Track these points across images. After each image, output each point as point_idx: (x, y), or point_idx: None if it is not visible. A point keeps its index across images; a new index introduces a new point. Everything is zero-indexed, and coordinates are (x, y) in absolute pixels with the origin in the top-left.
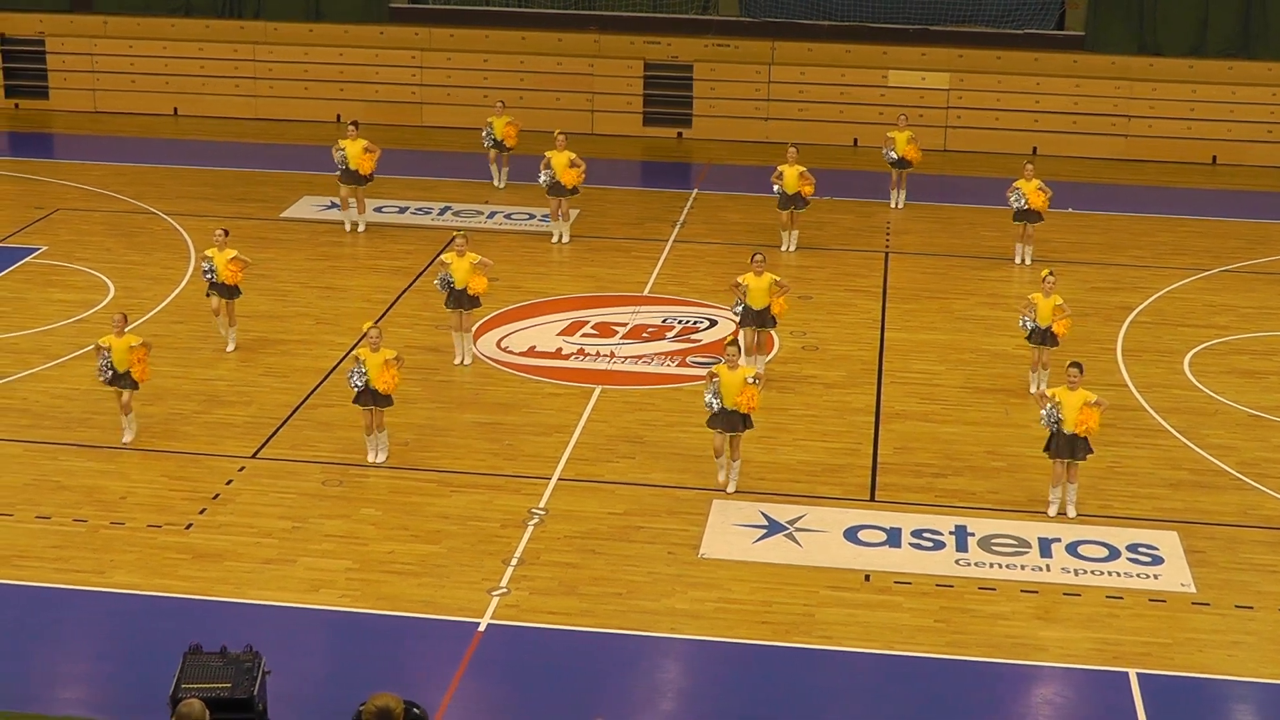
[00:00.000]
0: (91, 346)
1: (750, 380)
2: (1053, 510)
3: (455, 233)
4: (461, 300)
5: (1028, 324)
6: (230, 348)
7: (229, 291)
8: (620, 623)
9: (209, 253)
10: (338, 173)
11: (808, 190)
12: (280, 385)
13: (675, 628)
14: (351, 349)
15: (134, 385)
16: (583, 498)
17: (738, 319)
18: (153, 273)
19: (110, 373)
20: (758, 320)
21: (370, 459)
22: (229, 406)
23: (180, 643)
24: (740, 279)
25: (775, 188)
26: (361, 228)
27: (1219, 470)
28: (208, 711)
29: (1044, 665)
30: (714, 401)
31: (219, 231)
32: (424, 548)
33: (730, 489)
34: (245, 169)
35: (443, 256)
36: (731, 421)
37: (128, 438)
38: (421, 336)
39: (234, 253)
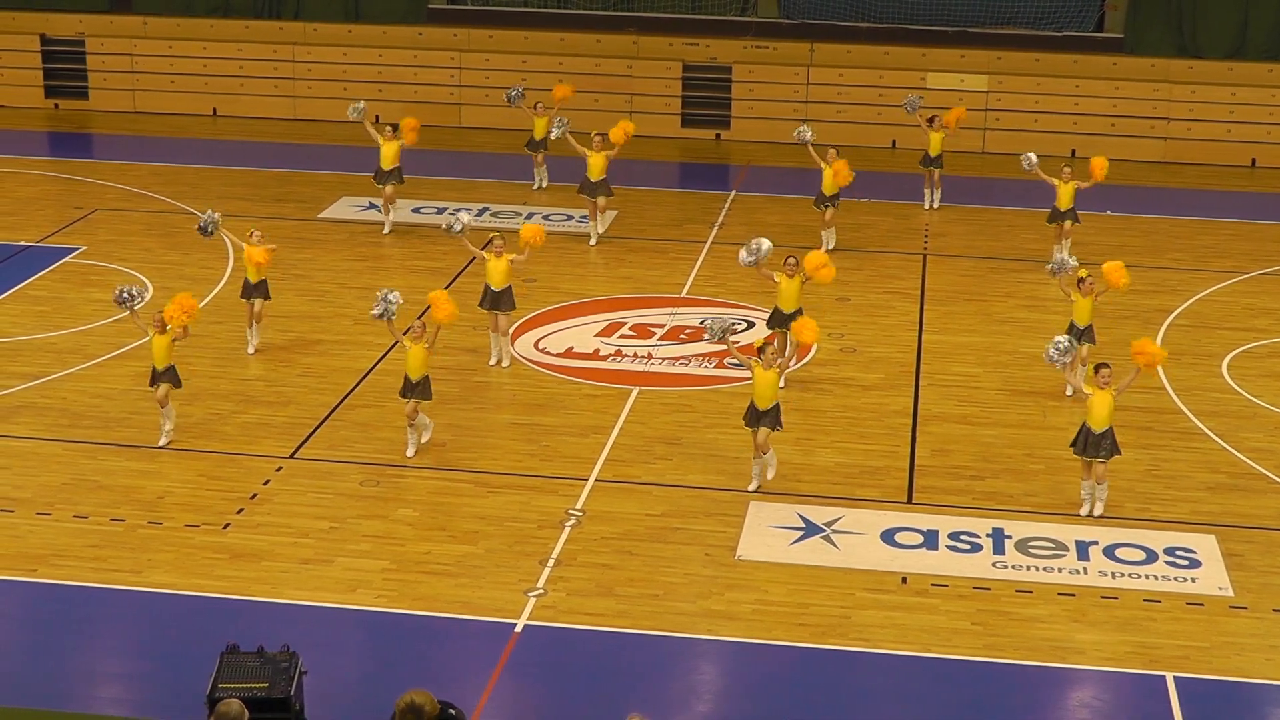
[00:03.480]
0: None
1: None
2: (1084, 510)
3: (493, 234)
4: (498, 302)
5: (1059, 263)
6: (251, 349)
7: (260, 291)
8: (657, 624)
9: (251, 248)
10: (373, 173)
11: (847, 177)
12: (318, 385)
13: (712, 629)
14: (390, 348)
15: (175, 383)
16: (620, 499)
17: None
18: (191, 273)
19: (139, 298)
20: (785, 322)
21: (409, 453)
22: (267, 407)
23: (217, 642)
24: (775, 276)
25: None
26: (387, 230)
27: (1257, 474)
28: (246, 711)
29: (1081, 668)
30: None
31: (256, 233)
32: (461, 548)
33: (754, 486)
34: (283, 169)
35: (484, 251)
36: (759, 420)
37: (160, 442)
38: (459, 338)
39: (272, 247)
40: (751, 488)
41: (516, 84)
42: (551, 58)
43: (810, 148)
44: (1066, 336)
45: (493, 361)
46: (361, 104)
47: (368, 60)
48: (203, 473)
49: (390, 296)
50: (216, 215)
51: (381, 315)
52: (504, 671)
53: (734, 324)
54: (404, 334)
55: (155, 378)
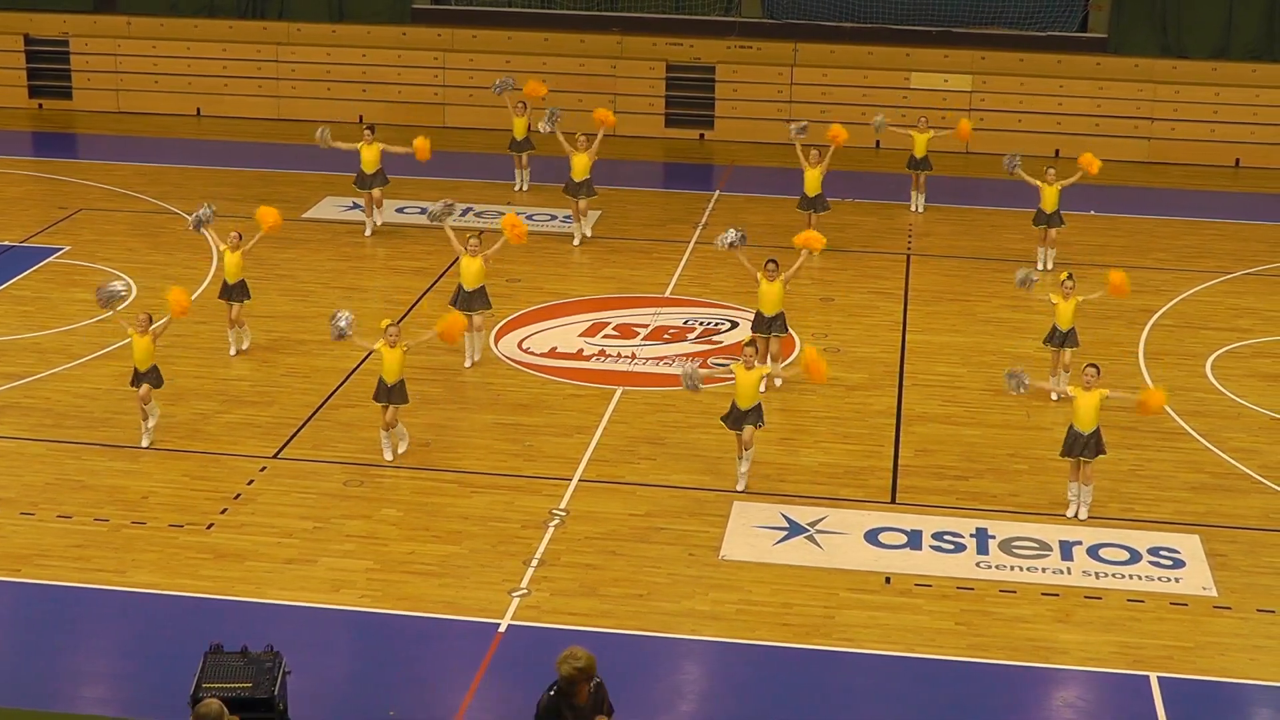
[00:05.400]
0: (123, 342)
1: (765, 375)
2: (1071, 511)
3: (469, 234)
4: (470, 302)
5: (1032, 277)
6: (234, 351)
7: (239, 293)
8: (640, 624)
9: (222, 248)
10: (355, 177)
11: (839, 136)
12: (302, 385)
13: (695, 629)
14: (372, 350)
15: (157, 383)
16: (603, 499)
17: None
18: (175, 273)
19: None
20: (768, 327)
21: (387, 456)
22: (250, 407)
23: (201, 642)
24: (757, 274)
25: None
26: (371, 231)
27: (1241, 474)
28: (226, 711)
29: (1065, 668)
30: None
31: (234, 234)
32: (444, 548)
33: (740, 486)
34: (267, 169)
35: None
36: (740, 421)
37: (145, 440)
38: None
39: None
40: (740, 487)
41: (505, 77)
42: (535, 58)
43: (797, 146)
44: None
45: (468, 363)
46: (326, 130)
47: (352, 60)
48: (186, 473)
49: (341, 319)
50: (211, 211)
51: (339, 337)
52: (488, 671)
53: (704, 374)
54: (380, 338)
55: (137, 378)
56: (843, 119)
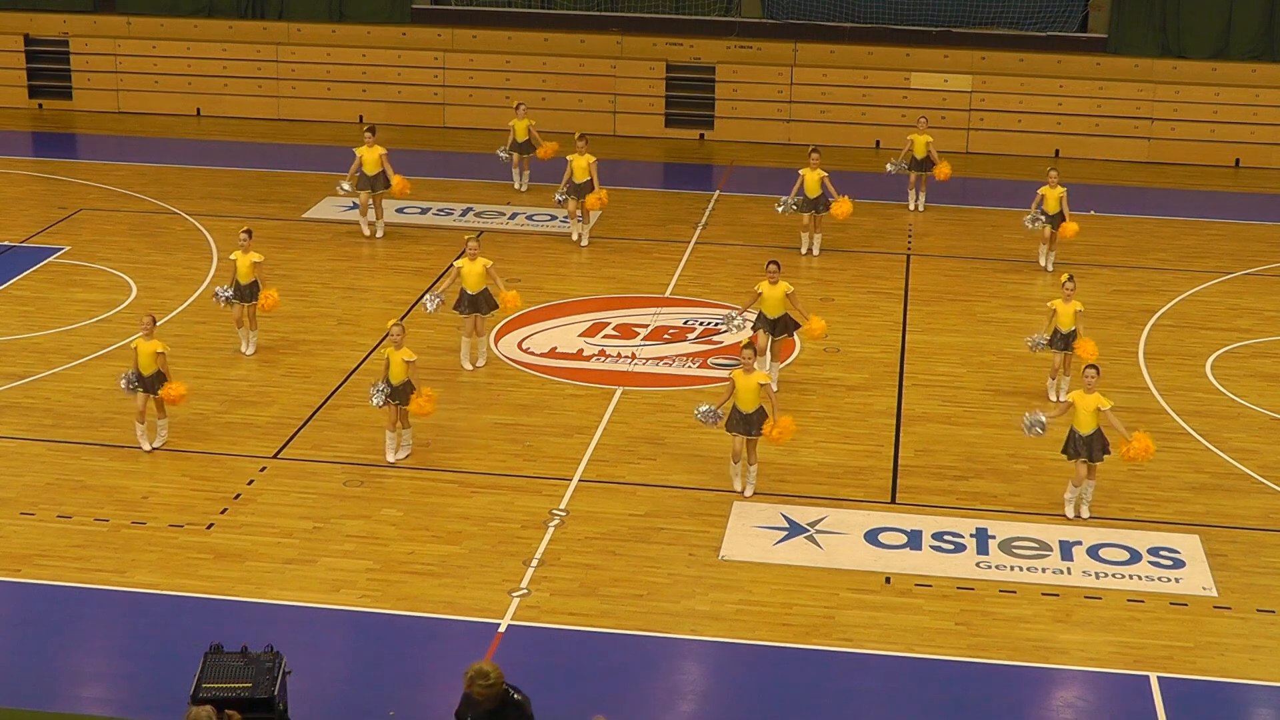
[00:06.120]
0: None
1: (762, 384)
2: (1069, 511)
3: (467, 235)
4: (476, 305)
5: (1038, 343)
6: (249, 350)
7: (249, 294)
8: (640, 624)
9: (233, 256)
10: (355, 177)
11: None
12: (302, 386)
13: (695, 629)
14: (374, 349)
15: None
16: (603, 499)
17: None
18: (175, 273)
19: (134, 384)
20: (772, 328)
21: (389, 457)
22: (251, 407)
23: (201, 642)
24: (757, 287)
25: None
26: (380, 233)
27: (1241, 474)
28: (215, 717)
29: (1065, 669)
30: (709, 415)
31: (243, 234)
32: (444, 548)
33: (748, 493)
34: (267, 169)
35: (456, 263)
36: (749, 424)
37: (155, 444)
38: (442, 337)
39: (259, 257)
40: (748, 493)
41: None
42: (535, 58)
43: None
44: (1028, 417)
45: (467, 366)
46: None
47: (352, 60)
48: (186, 473)
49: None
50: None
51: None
52: None
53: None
54: (384, 339)
55: (141, 382)
56: (842, 119)
